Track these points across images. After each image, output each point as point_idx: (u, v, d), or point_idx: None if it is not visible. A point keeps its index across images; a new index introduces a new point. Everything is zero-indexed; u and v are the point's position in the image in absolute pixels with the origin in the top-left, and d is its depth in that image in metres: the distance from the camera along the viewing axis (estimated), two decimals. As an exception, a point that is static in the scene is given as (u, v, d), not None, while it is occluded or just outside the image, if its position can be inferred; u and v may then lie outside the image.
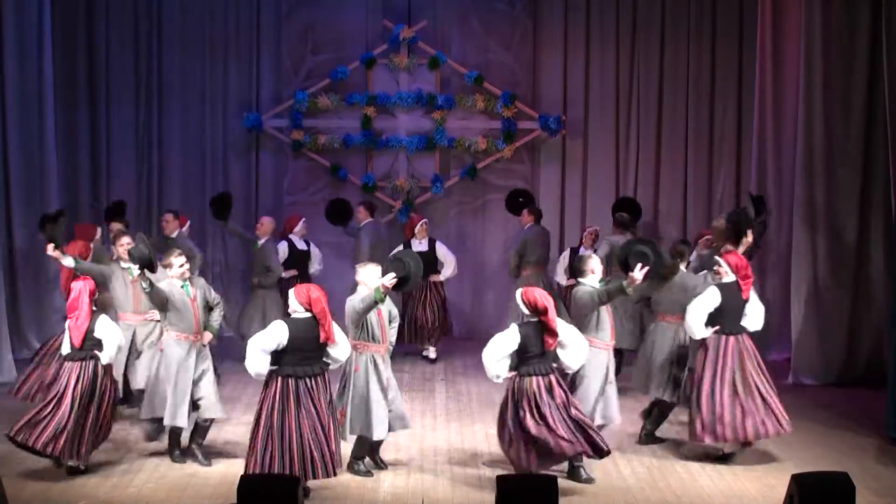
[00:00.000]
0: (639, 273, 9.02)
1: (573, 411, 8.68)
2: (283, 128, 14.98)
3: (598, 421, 9.15)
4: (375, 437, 9.09)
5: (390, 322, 9.23)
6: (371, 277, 9.06)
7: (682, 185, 15.03)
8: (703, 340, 9.56)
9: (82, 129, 14.73)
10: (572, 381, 9.13)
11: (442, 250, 13.44)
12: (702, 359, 9.58)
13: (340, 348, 8.64)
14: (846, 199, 12.54)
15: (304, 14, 15.02)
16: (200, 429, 9.35)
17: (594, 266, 9.28)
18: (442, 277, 13.40)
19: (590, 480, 9.07)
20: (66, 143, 14.35)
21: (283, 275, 13.16)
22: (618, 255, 9.99)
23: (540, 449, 8.57)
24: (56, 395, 8.96)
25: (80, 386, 8.94)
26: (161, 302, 9.18)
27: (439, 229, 14.61)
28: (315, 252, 13.50)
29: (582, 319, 9.17)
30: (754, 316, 9.69)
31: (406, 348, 13.41)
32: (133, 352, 10.40)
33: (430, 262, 13.05)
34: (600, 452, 8.73)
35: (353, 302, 9.01)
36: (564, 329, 8.76)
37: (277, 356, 8.43)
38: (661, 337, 10.20)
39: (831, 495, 7.17)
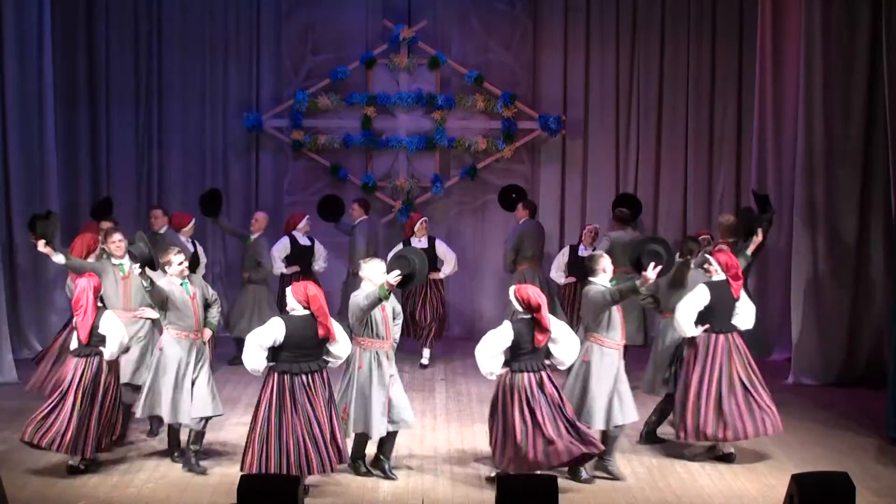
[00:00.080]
0: (652, 272, 9.00)
1: (567, 410, 8.70)
2: (283, 128, 14.98)
3: (617, 420, 9.12)
4: (373, 435, 9.07)
5: (394, 319, 9.22)
6: (376, 273, 9.06)
7: (682, 185, 15.03)
8: (693, 339, 9.59)
9: (82, 129, 14.72)
10: (584, 382, 9.10)
11: (442, 248, 13.40)
12: (691, 357, 9.62)
13: (341, 346, 8.66)
14: (846, 199, 12.54)
15: (304, 14, 15.02)
16: (196, 433, 9.27)
17: (605, 265, 9.23)
18: (442, 275, 13.36)
19: (590, 480, 9.08)
20: (66, 143, 14.34)
21: (285, 271, 13.19)
22: (630, 254, 10.02)
23: (519, 453, 8.60)
24: (60, 391, 9.02)
25: (83, 382, 8.99)
26: (161, 300, 9.18)
27: (439, 229, 14.60)
28: (320, 249, 13.50)
29: (594, 319, 9.13)
30: (745, 315, 9.72)
31: (406, 349, 13.38)
32: None
33: (430, 259, 12.97)
34: (592, 455, 8.75)
35: (358, 298, 8.99)
36: (556, 325, 8.79)
37: (274, 352, 8.47)
38: (670, 335, 10.19)
39: (831, 495, 7.17)
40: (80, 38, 14.62)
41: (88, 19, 14.67)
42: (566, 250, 13.47)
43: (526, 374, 8.66)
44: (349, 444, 9.06)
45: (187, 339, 9.24)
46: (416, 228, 13.27)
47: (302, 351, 8.48)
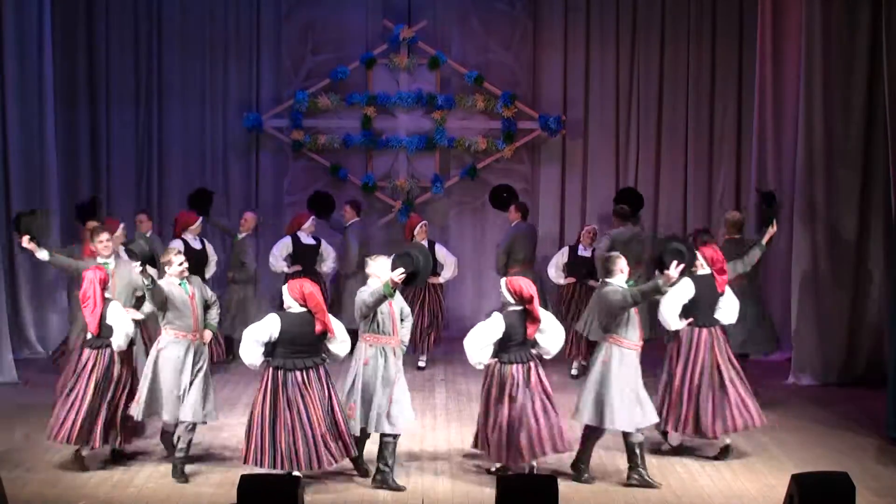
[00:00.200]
0: (674, 271, 8.96)
1: (552, 401, 8.80)
2: (283, 128, 14.98)
3: (638, 422, 9.04)
4: (372, 431, 9.05)
5: (402, 320, 9.18)
6: (383, 270, 9.04)
7: (682, 185, 15.04)
8: (677, 332, 9.64)
9: (82, 129, 14.72)
10: (604, 383, 9.04)
11: (442, 252, 13.31)
12: (674, 350, 9.66)
13: (340, 343, 8.72)
14: (846, 198, 12.54)
15: (304, 14, 15.02)
16: (183, 438, 9.12)
17: (622, 266, 9.19)
18: (442, 279, 13.28)
19: (590, 480, 9.08)
20: (66, 143, 14.33)
21: (287, 270, 13.16)
22: (651, 253, 10.04)
23: (511, 443, 8.70)
24: (73, 383, 9.14)
25: (95, 374, 9.10)
26: (161, 300, 9.16)
27: (439, 229, 14.60)
28: (328, 250, 13.45)
29: (612, 320, 9.06)
30: (728, 309, 9.79)
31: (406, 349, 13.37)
32: None
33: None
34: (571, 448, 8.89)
35: (363, 295, 8.97)
36: (544, 316, 8.91)
37: (270, 348, 8.58)
38: None
39: (831, 495, 7.18)
40: (80, 38, 14.62)
41: (88, 19, 14.67)
42: (565, 250, 13.42)
43: (514, 366, 8.77)
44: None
45: (186, 339, 9.22)
46: (415, 232, 13.15)
47: (297, 347, 8.56)
